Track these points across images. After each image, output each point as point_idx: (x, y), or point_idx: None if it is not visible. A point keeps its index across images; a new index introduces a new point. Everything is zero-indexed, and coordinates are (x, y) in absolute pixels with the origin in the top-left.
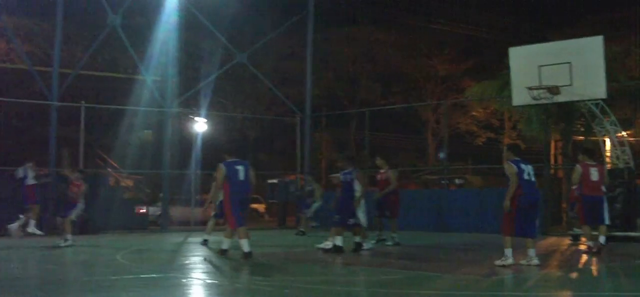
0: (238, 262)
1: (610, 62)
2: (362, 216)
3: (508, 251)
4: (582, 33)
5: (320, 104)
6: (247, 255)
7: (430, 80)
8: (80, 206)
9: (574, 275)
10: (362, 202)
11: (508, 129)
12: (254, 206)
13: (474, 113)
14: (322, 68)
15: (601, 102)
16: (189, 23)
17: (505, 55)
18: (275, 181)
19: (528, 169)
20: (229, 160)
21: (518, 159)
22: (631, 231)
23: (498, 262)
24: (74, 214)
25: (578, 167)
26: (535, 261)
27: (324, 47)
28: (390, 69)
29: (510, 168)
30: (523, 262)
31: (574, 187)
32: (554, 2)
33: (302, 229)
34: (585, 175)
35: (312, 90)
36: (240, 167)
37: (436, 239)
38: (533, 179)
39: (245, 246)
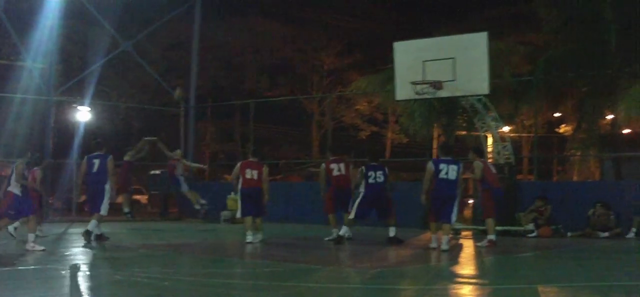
0: (119, 254)
1: (494, 58)
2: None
3: (433, 236)
4: (468, 29)
5: (206, 94)
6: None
7: (316, 73)
8: None
9: (456, 268)
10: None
11: (392, 123)
12: (136, 197)
13: (358, 107)
14: (209, 58)
15: (484, 98)
16: (76, 10)
17: (390, 50)
18: (157, 171)
19: (447, 168)
20: (90, 154)
21: (443, 158)
22: (511, 226)
23: (431, 245)
24: None
25: (479, 163)
26: (445, 246)
27: (211, 38)
28: (277, 61)
29: (428, 168)
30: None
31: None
32: None
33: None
34: (487, 169)
35: (197, 80)
36: (96, 160)
37: (320, 232)
38: (450, 177)
39: None
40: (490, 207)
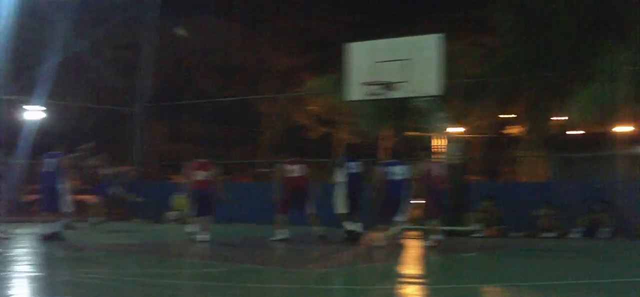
0: (66, 255)
1: (447, 60)
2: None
3: (381, 236)
4: (422, 31)
5: (157, 94)
6: None
7: (269, 73)
8: None
9: (403, 268)
10: None
11: (344, 124)
12: (84, 197)
13: (310, 107)
14: (160, 58)
15: (435, 99)
16: (27, 8)
17: (343, 51)
18: (109, 172)
19: (396, 170)
20: (45, 154)
21: (391, 161)
22: (459, 226)
23: (374, 243)
24: None
25: (423, 164)
26: (380, 243)
27: (162, 37)
28: (229, 61)
29: (378, 171)
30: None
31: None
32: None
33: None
34: (432, 170)
35: (147, 80)
36: (50, 160)
37: (268, 232)
38: (399, 178)
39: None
40: (433, 207)
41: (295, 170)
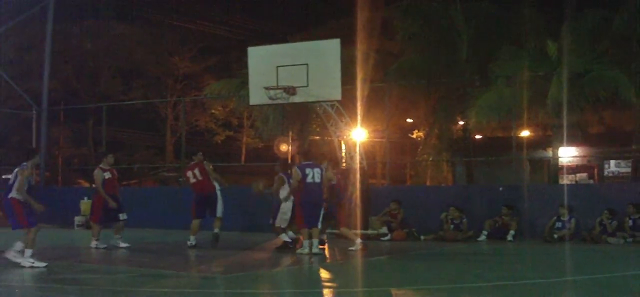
0: None
1: (347, 65)
2: None
3: (306, 242)
4: (324, 36)
5: (58, 98)
6: None
7: (171, 77)
8: None
9: (311, 272)
10: None
11: (247, 128)
12: None
13: (213, 111)
14: (61, 61)
15: (336, 104)
16: None
17: (244, 55)
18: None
19: (312, 172)
20: None
21: (306, 163)
22: (364, 230)
23: (299, 250)
24: None
25: (335, 170)
26: (315, 250)
27: (64, 40)
28: (131, 65)
29: (295, 174)
30: (300, 250)
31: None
32: (297, 4)
33: None
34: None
35: (50, 83)
36: None
37: (175, 237)
38: (317, 180)
39: None
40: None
41: (190, 176)
